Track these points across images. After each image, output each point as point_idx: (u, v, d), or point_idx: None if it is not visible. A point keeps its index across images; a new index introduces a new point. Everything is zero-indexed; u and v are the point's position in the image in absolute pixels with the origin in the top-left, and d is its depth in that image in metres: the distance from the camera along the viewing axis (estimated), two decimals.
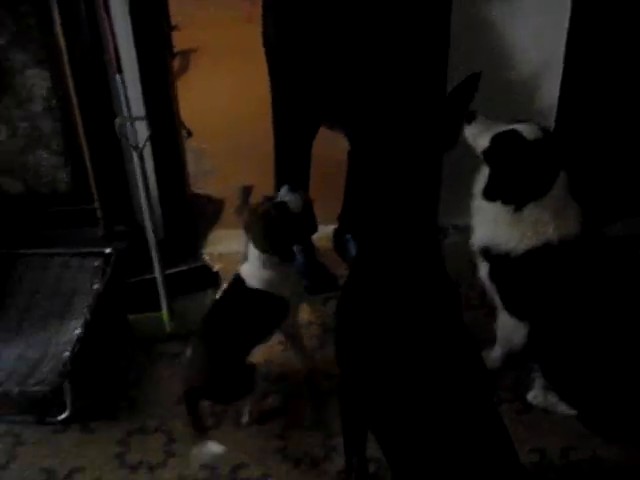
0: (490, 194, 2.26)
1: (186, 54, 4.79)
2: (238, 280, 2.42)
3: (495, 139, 2.24)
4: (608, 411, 2.32)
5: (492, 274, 2.36)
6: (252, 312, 2.37)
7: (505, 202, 2.22)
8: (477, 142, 2.28)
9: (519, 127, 2.21)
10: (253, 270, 2.38)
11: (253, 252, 2.36)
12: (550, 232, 2.23)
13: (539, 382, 2.40)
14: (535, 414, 2.40)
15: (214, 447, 2.14)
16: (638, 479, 2.21)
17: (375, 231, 1.84)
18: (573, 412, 2.36)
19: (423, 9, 2.60)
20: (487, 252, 2.34)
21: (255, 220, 2.33)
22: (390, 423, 1.75)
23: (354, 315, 1.87)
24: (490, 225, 2.31)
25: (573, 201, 2.28)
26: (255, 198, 2.38)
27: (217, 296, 2.73)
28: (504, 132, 2.22)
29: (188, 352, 2.37)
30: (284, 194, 2.36)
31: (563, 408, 2.37)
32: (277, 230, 2.31)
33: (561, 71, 2.86)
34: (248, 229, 2.37)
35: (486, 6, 2.76)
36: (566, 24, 2.76)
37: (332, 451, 2.30)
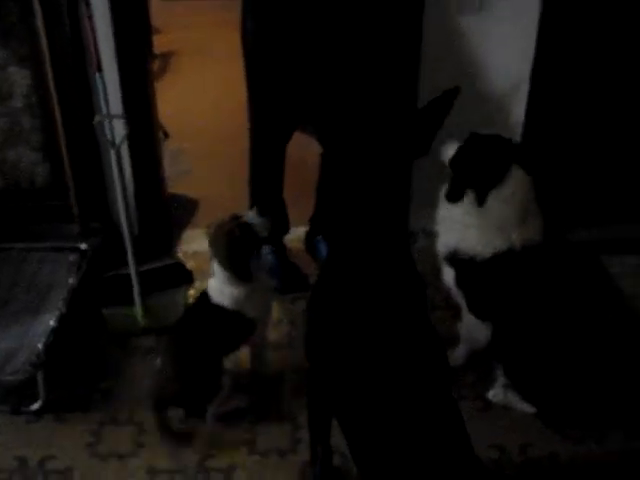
0: (453, 196, 2.36)
1: (165, 57, 4.86)
2: (204, 295, 2.47)
3: (460, 148, 2.35)
4: (565, 409, 2.40)
5: (458, 279, 2.45)
6: (217, 328, 2.42)
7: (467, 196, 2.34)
8: (444, 154, 2.40)
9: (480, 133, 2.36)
10: (218, 286, 2.42)
11: (217, 269, 2.40)
12: (514, 237, 2.32)
13: (500, 381, 2.48)
14: (495, 412, 2.48)
15: None
16: (593, 474, 2.29)
17: (346, 230, 1.88)
18: (532, 410, 2.44)
19: (396, 15, 2.68)
20: (453, 258, 2.43)
21: (219, 237, 2.37)
22: (354, 416, 1.81)
23: (323, 312, 1.92)
24: (456, 230, 2.40)
25: (537, 207, 2.38)
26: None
27: (188, 298, 2.83)
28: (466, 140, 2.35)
29: (157, 362, 2.44)
30: (252, 216, 2.40)
31: (523, 406, 2.44)
32: (238, 250, 2.35)
33: (528, 83, 2.96)
34: (212, 245, 2.40)
35: (457, 16, 2.84)
36: (534, 34, 2.86)
37: (298, 443, 2.37)
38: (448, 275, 2.49)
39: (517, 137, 2.96)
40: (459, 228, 2.40)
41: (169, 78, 4.72)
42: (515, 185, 2.31)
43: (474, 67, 2.95)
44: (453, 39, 2.89)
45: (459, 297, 2.51)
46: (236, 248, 2.34)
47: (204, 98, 4.52)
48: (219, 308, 2.41)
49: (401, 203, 1.87)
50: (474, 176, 2.34)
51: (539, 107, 3.01)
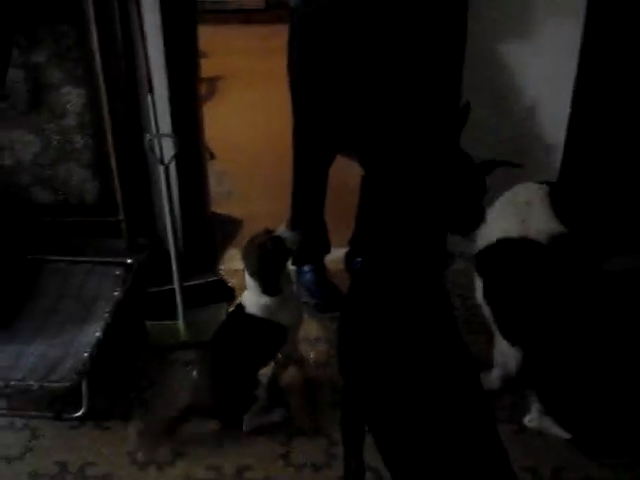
0: None
1: (212, 81, 4.98)
2: (239, 307, 2.55)
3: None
4: (601, 436, 2.40)
5: (485, 292, 2.49)
6: (252, 338, 2.50)
7: None
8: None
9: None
10: (251, 297, 2.51)
11: (248, 280, 2.49)
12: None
13: (535, 406, 2.49)
14: (529, 435, 2.48)
15: None
16: None
17: (380, 248, 1.93)
18: (567, 435, 2.44)
19: (437, 45, 2.75)
20: (480, 265, 2.50)
21: (251, 249, 2.45)
22: (389, 432, 1.84)
23: (356, 327, 1.96)
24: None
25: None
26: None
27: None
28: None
29: (194, 374, 2.52)
30: (283, 231, 2.48)
31: (557, 431, 2.45)
32: (268, 262, 2.43)
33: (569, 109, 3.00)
34: (244, 257, 2.49)
35: (499, 42, 2.91)
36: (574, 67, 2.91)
37: (333, 459, 2.41)
38: (478, 291, 2.52)
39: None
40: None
41: (215, 102, 4.84)
42: None
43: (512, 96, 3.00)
44: (492, 67, 2.96)
45: (490, 318, 2.54)
46: (266, 260, 2.42)
47: (248, 121, 4.63)
48: (253, 318, 2.49)
49: (436, 225, 1.91)
50: None
51: (578, 134, 3.05)
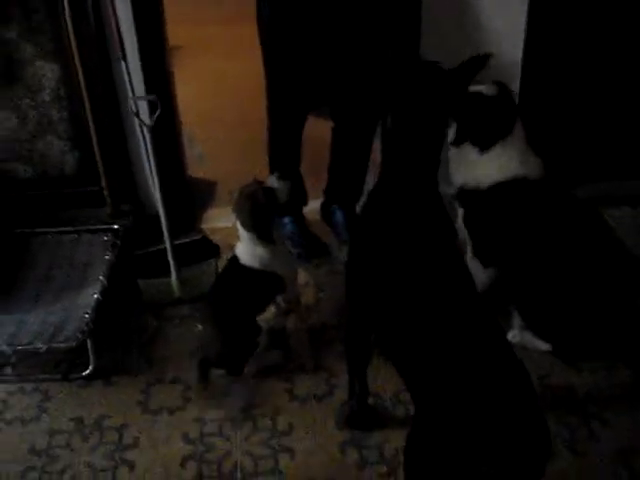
0: (458, 141, 2.62)
1: (174, 50, 5.02)
2: (234, 258, 2.65)
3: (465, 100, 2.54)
4: (577, 343, 2.61)
5: (465, 218, 2.67)
6: (249, 287, 2.61)
7: (472, 143, 2.59)
8: None
9: (480, 87, 2.55)
10: (245, 249, 2.61)
11: (241, 231, 2.59)
12: (514, 167, 2.56)
13: (516, 322, 2.67)
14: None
15: None
16: (604, 399, 2.50)
17: (390, 173, 2.05)
18: (547, 347, 2.63)
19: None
20: (461, 194, 2.66)
21: (243, 201, 2.55)
22: (401, 349, 1.92)
23: (365, 247, 2.07)
24: (463, 168, 2.64)
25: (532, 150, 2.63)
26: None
27: (217, 269, 3.02)
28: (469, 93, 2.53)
29: (199, 327, 2.65)
30: (273, 181, 2.60)
31: (538, 344, 2.64)
32: (261, 212, 2.54)
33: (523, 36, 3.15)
34: (236, 208, 2.58)
35: None
36: None
37: (334, 388, 2.57)
38: (459, 217, 2.70)
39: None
40: (465, 165, 2.64)
41: (177, 70, 4.90)
42: (517, 137, 2.54)
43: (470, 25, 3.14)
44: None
45: (467, 241, 2.71)
46: (259, 210, 2.53)
47: (209, 88, 4.73)
48: (248, 269, 2.61)
49: (437, 156, 2.03)
50: (480, 131, 2.56)
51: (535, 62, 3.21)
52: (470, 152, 2.61)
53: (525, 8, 3.08)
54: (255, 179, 2.59)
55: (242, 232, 2.59)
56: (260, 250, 2.59)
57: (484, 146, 2.57)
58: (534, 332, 2.63)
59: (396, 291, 1.92)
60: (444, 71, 1.99)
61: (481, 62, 1.99)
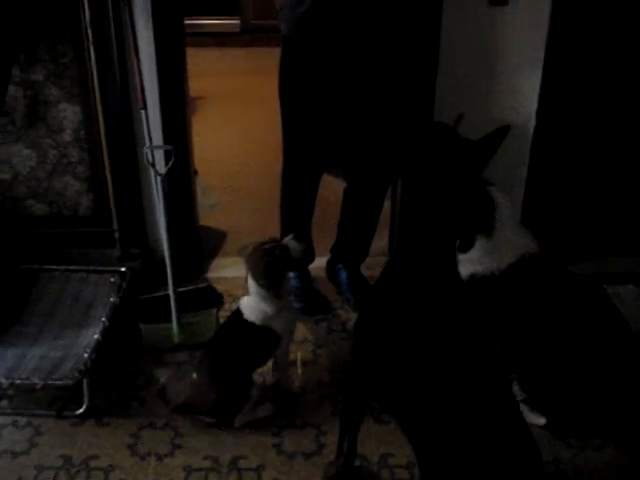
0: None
1: (192, 101, 5.15)
2: (237, 313, 2.69)
3: None
4: (572, 418, 2.63)
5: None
6: (249, 342, 2.65)
7: None
8: None
9: None
10: (251, 304, 2.65)
11: (252, 286, 2.62)
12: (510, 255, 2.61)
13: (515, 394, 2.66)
14: None
15: None
16: (591, 477, 2.49)
17: (410, 244, 2.05)
18: (542, 421, 2.64)
19: (413, 70, 2.98)
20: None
21: (259, 256, 2.59)
22: (412, 416, 1.93)
23: (378, 308, 2.08)
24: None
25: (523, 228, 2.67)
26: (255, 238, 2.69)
27: (219, 318, 3.06)
28: None
29: (194, 375, 2.66)
30: (289, 241, 2.65)
31: (533, 417, 2.63)
32: (276, 270, 2.59)
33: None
34: (250, 262, 2.62)
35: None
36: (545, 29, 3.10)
37: (323, 447, 2.57)
38: None
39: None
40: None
41: (195, 120, 5.01)
42: (502, 228, 2.60)
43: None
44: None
45: None
46: (274, 268, 2.57)
47: (227, 138, 4.84)
48: (250, 324, 2.64)
49: (457, 227, 2.03)
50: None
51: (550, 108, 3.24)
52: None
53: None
54: (271, 237, 2.65)
55: (252, 286, 2.63)
56: (265, 306, 2.63)
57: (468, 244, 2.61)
58: (531, 405, 2.64)
59: (408, 360, 1.92)
60: (468, 140, 1.98)
61: (503, 133, 1.96)
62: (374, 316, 2.10)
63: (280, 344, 2.72)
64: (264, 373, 2.86)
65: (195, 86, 5.21)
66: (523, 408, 2.63)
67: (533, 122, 3.24)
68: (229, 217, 3.93)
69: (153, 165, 2.86)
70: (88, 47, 2.96)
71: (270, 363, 2.81)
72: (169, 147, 2.86)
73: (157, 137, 3.08)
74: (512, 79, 3.17)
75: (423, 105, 3.10)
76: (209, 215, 3.87)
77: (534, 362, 2.61)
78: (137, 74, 2.88)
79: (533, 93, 3.19)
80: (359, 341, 2.19)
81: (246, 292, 2.67)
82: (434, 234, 1.98)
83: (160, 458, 2.55)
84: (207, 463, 2.53)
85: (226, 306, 3.19)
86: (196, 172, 4.06)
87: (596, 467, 2.52)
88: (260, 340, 2.67)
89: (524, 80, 3.17)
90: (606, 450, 2.58)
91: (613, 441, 2.61)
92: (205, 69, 5.58)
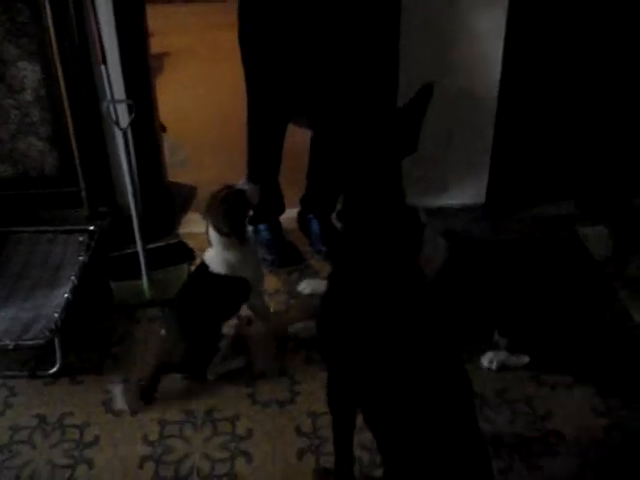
0: None
1: (159, 57, 5.09)
2: (202, 266, 2.69)
3: None
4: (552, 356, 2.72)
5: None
6: (216, 294, 2.65)
7: None
8: None
9: None
10: (215, 255, 2.64)
11: (214, 236, 2.61)
12: None
13: (498, 343, 2.72)
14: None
15: None
16: (563, 416, 2.53)
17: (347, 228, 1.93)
18: (525, 360, 2.70)
19: (376, 15, 2.94)
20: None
21: (216, 204, 2.58)
22: (377, 411, 1.87)
23: (338, 309, 1.94)
24: None
25: None
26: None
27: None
28: None
29: (162, 332, 2.66)
30: (243, 184, 2.65)
31: (514, 360, 2.70)
32: (235, 214, 2.57)
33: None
34: (209, 212, 2.61)
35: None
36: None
37: (296, 395, 2.60)
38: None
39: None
40: None
41: (163, 77, 4.97)
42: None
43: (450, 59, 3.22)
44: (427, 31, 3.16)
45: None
46: (232, 211, 2.56)
47: (195, 94, 4.80)
48: (216, 275, 2.64)
49: (396, 196, 1.91)
50: None
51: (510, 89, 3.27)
52: None
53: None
54: (225, 184, 2.62)
55: (214, 236, 2.62)
56: (229, 255, 2.62)
57: None
58: (512, 350, 2.69)
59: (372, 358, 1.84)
60: (395, 110, 1.93)
61: (428, 92, 1.91)
62: (335, 320, 1.96)
63: (250, 293, 2.72)
64: (235, 326, 2.87)
65: (162, 43, 5.20)
66: (502, 355, 2.70)
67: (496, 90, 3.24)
68: (199, 173, 3.90)
69: (116, 121, 2.81)
70: (44, 4, 2.92)
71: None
72: (129, 101, 2.81)
73: (120, 93, 3.04)
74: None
75: (386, 50, 3.08)
76: (179, 171, 3.84)
77: (516, 311, 2.67)
78: (95, 29, 2.81)
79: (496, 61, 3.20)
80: (325, 346, 2.06)
81: (209, 245, 2.67)
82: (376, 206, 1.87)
83: (134, 413, 2.55)
84: (182, 416, 2.54)
85: (197, 261, 3.16)
86: (164, 129, 4.02)
87: (565, 404, 2.56)
88: (227, 291, 2.66)
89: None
90: (575, 389, 2.63)
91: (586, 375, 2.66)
92: (171, 25, 5.51)
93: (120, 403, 2.51)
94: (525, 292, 2.68)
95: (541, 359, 2.69)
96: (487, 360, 2.72)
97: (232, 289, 2.67)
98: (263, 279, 2.83)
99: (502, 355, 2.71)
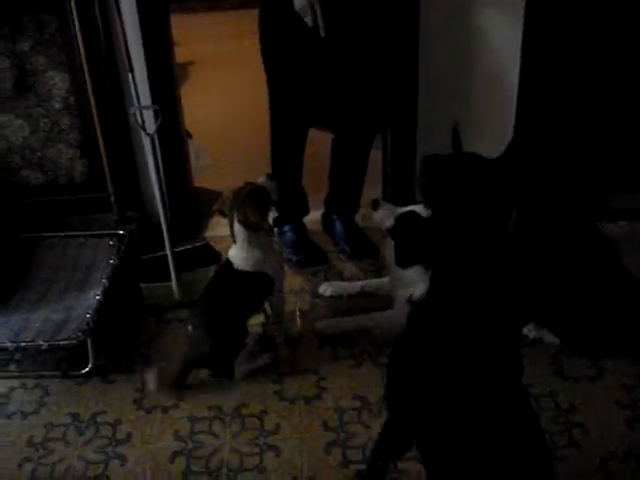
0: (402, 262, 2.77)
1: (184, 66, 5.18)
2: (227, 263, 2.75)
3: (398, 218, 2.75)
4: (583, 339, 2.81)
5: None
6: (241, 290, 2.71)
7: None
8: (384, 223, 2.80)
9: (415, 208, 2.72)
10: (239, 252, 2.70)
11: (239, 231, 2.67)
12: None
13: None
14: None
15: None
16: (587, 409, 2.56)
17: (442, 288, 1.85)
18: (558, 341, 2.81)
19: (394, 17, 3.00)
20: None
21: (244, 198, 2.65)
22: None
23: (412, 354, 1.90)
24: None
25: None
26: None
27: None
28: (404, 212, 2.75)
29: (189, 328, 2.73)
30: (263, 181, 2.72)
31: (550, 338, 2.81)
32: (261, 205, 2.65)
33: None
34: (237, 207, 2.65)
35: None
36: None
37: (322, 391, 2.65)
38: None
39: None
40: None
41: (188, 85, 5.06)
42: None
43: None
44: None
45: None
46: (260, 203, 2.65)
47: (220, 101, 4.88)
48: (241, 272, 2.70)
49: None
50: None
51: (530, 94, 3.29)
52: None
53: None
54: (246, 182, 2.70)
55: (239, 232, 2.67)
56: (254, 250, 2.68)
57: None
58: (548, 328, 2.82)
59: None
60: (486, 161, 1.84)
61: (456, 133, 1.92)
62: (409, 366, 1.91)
63: (273, 289, 2.78)
64: (261, 324, 2.93)
65: (186, 52, 5.29)
66: (541, 331, 2.82)
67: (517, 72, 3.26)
68: (224, 178, 3.94)
69: (143, 126, 2.88)
70: (72, 15, 2.99)
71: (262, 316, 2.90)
72: (155, 107, 2.89)
73: (146, 101, 3.10)
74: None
75: (406, 56, 3.13)
76: (203, 177, 3.91)
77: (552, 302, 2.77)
78: (121, 39, 2.89)
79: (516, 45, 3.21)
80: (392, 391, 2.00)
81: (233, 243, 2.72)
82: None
83: (165, 410, 2.62)
84: (211, 413, 2.60)
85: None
86: (190, 135, 4.09)
87: (589, 398, 2.59)
88: (251, 287, 2.73)
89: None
90: (599, 382, 2.65)
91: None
92: (195, 35, 5.60)
93: (152, 384, 2.60)
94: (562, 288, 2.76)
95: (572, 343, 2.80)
96: (527, 331, 2.82)
97: (256, 285, 2.73)
98: (284, 275, 2.88)
99: (541, 332, 2.82)
